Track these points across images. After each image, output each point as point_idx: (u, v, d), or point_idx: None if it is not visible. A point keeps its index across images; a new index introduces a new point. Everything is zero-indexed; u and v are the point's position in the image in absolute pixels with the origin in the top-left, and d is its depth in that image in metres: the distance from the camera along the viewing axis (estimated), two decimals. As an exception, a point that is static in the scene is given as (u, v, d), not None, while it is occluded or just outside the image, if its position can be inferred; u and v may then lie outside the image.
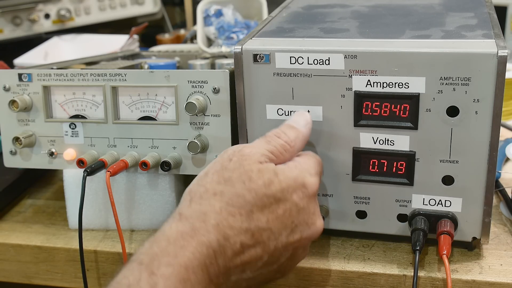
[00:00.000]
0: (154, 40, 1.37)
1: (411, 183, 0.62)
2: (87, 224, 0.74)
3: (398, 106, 0.60)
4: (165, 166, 0.68)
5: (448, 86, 0.58)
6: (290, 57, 0.61)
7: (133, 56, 0.97)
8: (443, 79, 0.58)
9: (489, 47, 0.57)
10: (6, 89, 0.72)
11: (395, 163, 0.62)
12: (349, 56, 0.60)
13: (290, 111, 0.63)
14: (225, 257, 0.48)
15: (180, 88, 0.67)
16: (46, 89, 0.71)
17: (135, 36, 1.23)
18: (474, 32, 0.61)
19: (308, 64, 0.61)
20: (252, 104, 0.64)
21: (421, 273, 0.61)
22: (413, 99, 0.59)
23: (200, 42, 1.13)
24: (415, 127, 0.60)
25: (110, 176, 0.66)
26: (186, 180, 0.80)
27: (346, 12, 0.74)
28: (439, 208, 0.63)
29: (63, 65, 0.83)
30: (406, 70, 0.58)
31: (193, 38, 1.33)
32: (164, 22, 1.54)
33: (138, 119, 0.70)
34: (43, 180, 0.88)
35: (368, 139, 0.62)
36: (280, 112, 0.64)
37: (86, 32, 1.33)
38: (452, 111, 0.59)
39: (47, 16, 1.29)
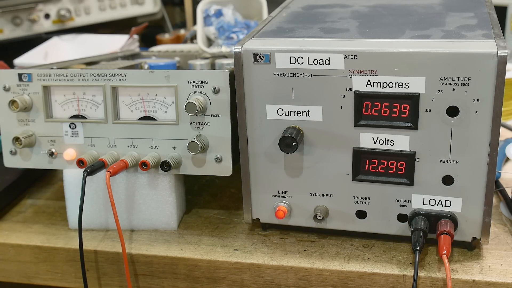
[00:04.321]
0: (154, 40, 1.37)
1: (411, 183, 0.62)
2: (87, 224, 0.74)
3: (398, 106, 0.60)
4: (165, 166, 0.68)
5: (448, 86, 0.58)
6: (290, 57, 0.61)
7: (133, 56, 0.97)
8: (443, 79, 0.58)
9: (489, 47, 0.57)
10: (6, 89, 0.72)
11: (395, 163, 0.62)
12: (349, 56, 0.60)
13: (290, 111, 0.63)
14: None
15: (180, 88, 0.67)
16: (46, 89, 0.71)
17: (135, 36, 1.23)
18: (474, 32, 0.61)
19: (308, 64, 0.61)
20: (252, 104, 0.64)
21: (421, 273, 0.61)
22: (413, 99, 0.59)
23: (200, 42, 1.13)
24: (415, 127, 0.60)
25: (110, 176, 0.66)
26: (186, 180, 0.80)
27: (346, 12, 0.74)
28: (439, 208, 0.63)
29: (63, 65, 0.83)
30: (406, 70, 0.58)
31: (193, 38, 1.33)
32: (164, 22, 1.54)
33: (138, 119, 0.70)
34: (43, 180, 0.88)
35: (368, 139, 0.62)
36: (280, 112, 0.64)
37: (86, 32, 1.33)
38: (452, 111, 0.59)
39: (47, 16, 1.29)
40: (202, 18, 1.17)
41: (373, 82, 0.60)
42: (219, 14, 1.17)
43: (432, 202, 0.63)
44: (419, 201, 0.63)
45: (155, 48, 1.16)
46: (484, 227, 0.62)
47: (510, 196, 0.73)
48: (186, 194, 0.78)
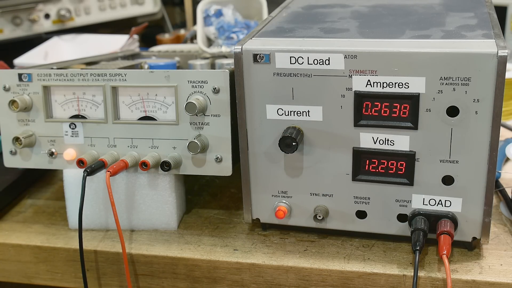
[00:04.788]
0: (154, 40, 1.37)
1: (411, 183, 0.62)
2: (87, 224, 0.74)
3: (398, 106, 0.60)
4: (165, 166, 0.68)
5: (448, 86, 0.58)
6: (290, 57, 0.61)
7: (133, 56, 0.97)
8: (443, 79, 0.58)
9: (489, 47, 0.57)
10: (6, 89, 0.72)
11: (395, 163, 0.62)
12: (349, 56, 0.60)
13: (290, 111, 0.63)
14: None
15: (180, 88, 0.67)
16: (46, 89, 0.71)
17: (135, 36, 1.23)
18: (474, 32, 0.61)
19: (308, 64, 0.61)
20: (252, 104, 0.64)
21: (421, 273, 0.61)
22: (413, 99, 0.59)
23: (200, 42, 1.13)
24: (415, 127, 0.60)
25: (110, 176, 0.66)
26: (186, 180, 0.80)
27: (346, 12, 0.74)
28: (439, 208, 0.63)
29: (63, 65, 0.83)
30: (406, 70, 0.58)
31: (193, 38, 1.33)
32: (164, 22, 1.54)
33: (138, 119, 0.70)
34: (43, 180, 0.88)
35: (368, 139, 0.62)
36: (280, 112, 0.64)
37: (86, 32, 1.33)
38: (452, 111, 0.59)
39: (47, 16, 1.29)
40: (202, 18, 1.17)
41: (373, 82, 0.60)
42: (219, 14, 1.17)
43: (432, 202, 0.63)
44: (419, 201, 0.63)
45: (155, 48, 1.16)
46: (484, 227, 0.62)
47: (510, 196, 0.73)
48: (186, 194, 0.78)
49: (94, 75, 0.69)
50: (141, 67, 0.83)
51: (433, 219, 0.63)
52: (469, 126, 0.58)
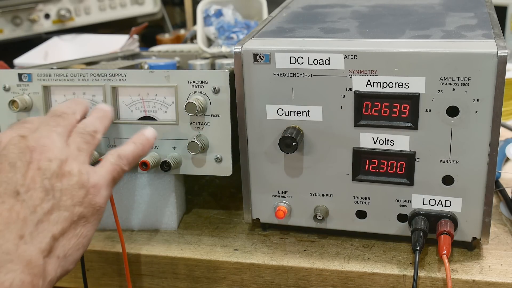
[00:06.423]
0: (154, 40, 1.37)
1: (411, 183, 0.62)
2: (87, 224, 0.74)
3: (398, 106, 0.60)
4: (165, 166, 0.68)
5: (448, 86, 0.58)
6: (290, 57, 0.61)
7: (133, 56, 0.97)
8: (443, 79, 0.58)
9: (489, 47, 0.57)
10: (6, 89, 0.72)
11: (395, 163, 0.62)
12: (349, 56, 0.60)
13: (290, 111, 0.63)
14: None
15: (180, 88, 0.67)
16: (46, 89, 0.71)
17: (135, 36, 1.23)
18: (474, 32, 0.62)
19: (308, 64, 0.61)
20: (252, 104, 0.64)
21: (421, 273, 0.61)
22: (413, 99, 0.59)
23: (200, 42, 1.13)
24: (415, 127, 0.60)
25: (110, 176, 0.66)
26: (186, 180, 0.80)
27: (346, 12, 0.74)
28: (439, 208, 0.63)
29: (63, 65, 0.83)
30: (406, 70, 0.58)
31: (193, 38, 1.33)
32: (164, 22, 1.54)
33: (138, 119, 0.70)
34: (43, 180, 0.88)
35: (368, 139, 0.62)
36: (280, 112, 0.64)
37: (86, 32, 1.33)
38: (452, 111, 0.59)
39: (47, 16, 1.29)
40: (202, 18, 1.17)
41: (373, 82, 0.60)
42: (219, 14, 1.17)
43: (432, 202, 0.63)
44: (419, 201, 0.63)
45: (155, 48, 1.16)
46: (484, 227, 0.62)
47: (510, 196, 0.73)
48: (186, 194, 0.78)
49: (94, 75, 0.69)
50: (141, 67, 0.83)
51: (433, 219, 0.63)
52: (469, 126, 0.58)
